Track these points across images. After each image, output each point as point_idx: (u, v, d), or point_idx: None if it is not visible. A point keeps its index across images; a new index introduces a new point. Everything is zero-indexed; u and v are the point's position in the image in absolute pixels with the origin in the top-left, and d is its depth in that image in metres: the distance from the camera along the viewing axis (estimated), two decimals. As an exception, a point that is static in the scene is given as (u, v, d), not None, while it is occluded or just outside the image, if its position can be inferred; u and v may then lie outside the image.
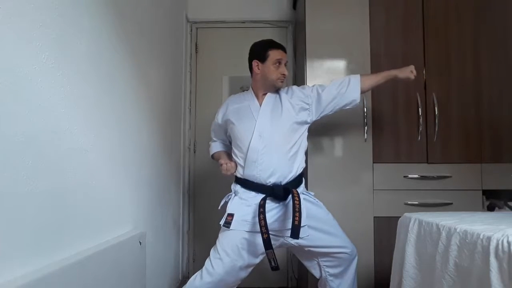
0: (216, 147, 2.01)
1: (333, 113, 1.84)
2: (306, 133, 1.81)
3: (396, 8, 2.31)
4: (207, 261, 1.68)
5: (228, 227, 1.66)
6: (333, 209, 1.94)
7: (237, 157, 1.80)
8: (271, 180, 1.70)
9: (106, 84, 1.42)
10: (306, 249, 1.73)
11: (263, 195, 1.68)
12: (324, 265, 1.75)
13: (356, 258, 1.77)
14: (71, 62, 1.14)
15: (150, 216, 1.96)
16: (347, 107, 1.83)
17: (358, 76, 1.83)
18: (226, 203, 1.79)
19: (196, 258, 2.91)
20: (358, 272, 2.14)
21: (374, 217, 2.21)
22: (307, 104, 1.79)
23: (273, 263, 1.54)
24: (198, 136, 2.99)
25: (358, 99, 1.81)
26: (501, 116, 2.27)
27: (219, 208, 1.82)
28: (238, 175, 1.80)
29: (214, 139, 2.03)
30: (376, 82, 1.86)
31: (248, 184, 1.74)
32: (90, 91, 1.28)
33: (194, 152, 2.98)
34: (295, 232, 1.52)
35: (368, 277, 2.18)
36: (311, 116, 1.80)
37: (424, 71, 2.28)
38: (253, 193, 1.72)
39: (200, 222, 2.93)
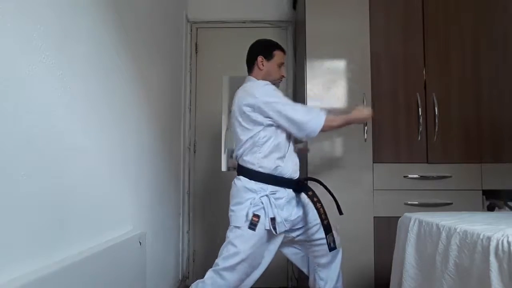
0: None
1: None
2: None
3: (396, 8, 2.31)
4: (222, 266, 1.61)
5: (276, 232, 1.63)
6: (333, 209, 1.94)
7: (273, 157, 1.69)
8: (296, 175, 1.75)
9: (106, 84, 1.42)
10: (301, 237, 1.77)
11: (289, 189, 1.71)
12: (313, 256, 1.81)
13: (341, 250, 1.82)
14: (71, 62, 1.14)
15: (150, 216, 1.96)
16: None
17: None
18: (247, 209, 1.65)
19: (196, 258, 2.91)
20: (358, 272, 2.16)
21: (374, 217, 2.21)
22: None
23: (332, 244, 1.68)
24: (198, 136, 2.99)
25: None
26: (501, 116, 2.27)
27: (246, 222, 1.62)
28: (270, 172, 1.68)
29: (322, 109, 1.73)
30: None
31: (279, 181, 1.69)
32: (90, 91, 1.28)
33: (194, 152, 2.98)
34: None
35: (368, 277, 2.18)
36: None
37: (424, 71, 2.28)
38: (282, 189, 1.69)
39: (200, 222, 2.93)
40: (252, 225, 1.60)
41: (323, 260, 1.79)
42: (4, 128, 0.85)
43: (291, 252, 1.84)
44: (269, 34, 2.93)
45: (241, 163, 1.74)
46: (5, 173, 0.85)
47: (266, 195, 1.64)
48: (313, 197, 1.71)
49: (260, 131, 1.67)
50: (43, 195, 0.99)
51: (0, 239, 0.84)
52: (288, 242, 1.80)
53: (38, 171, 0.97)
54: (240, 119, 1.69)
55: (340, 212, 1.75)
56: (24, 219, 0.92)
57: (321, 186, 1.82)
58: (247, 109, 1.66)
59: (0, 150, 0.84)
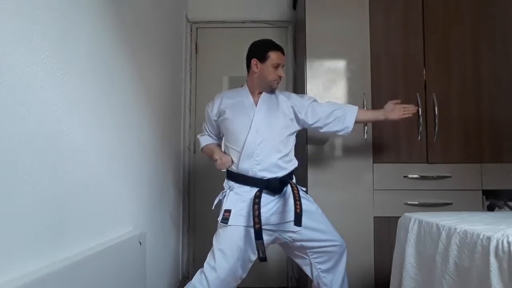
0: (206, 140, 1.99)
1: (322, 132, 1.89)
2: (295, 133, 1.90)
3: (396, 8, 2.31)
4: (205, 266, 1.68)
5: (226, 223, 1.68)
6: (333, 209, 1.94)
7: (231, 152, 1.82)
8: (266, 175, 1.74)
9: (106, 84, 1.42)
10: (298, 243, 1.74)
11: (258, 189, 1.70)
12: (316, 262, 1.77)
13: (346, 252, 1.80)
14: (71, 62, 1.14)
15: (150, 216, 1.96)
16: (339, 133, 1.87)
17: (356, 107, 1.87)
18: (220, 201, 1.80)
19: (196, 258, 2.91)
20: (358, 272, 2.15)
21: (374, 217, 2.21)
22: (299, 113, 1.83)
23: (261, 254, 1.58)
24: (198, 136, 2.99)
25: (350, 128, 1.84)
26: (501, 116, 2.27)
27: (213, 207, 1.80)
28: (232, 170, 1.80)
29: (204, 132, 2.01)
30: (372, 118, 1.94)
31: (243, 179, 1.76)
32: (90, 91, 1.28)
33: (194, 152, 2.98)
34: (298, 220, 1.58)
35: (368, 277, 2.18)
36: (299, 126, 1.87)
37: (424, 71, 2.28)
38: (247, 188, 1.74)
39: (200, 222, 2.93)
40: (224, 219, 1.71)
41: (326, 266, 1.77)
42: (4, 128, 0.85)
43: (299, 260, 1.84)
44: (269, 34, 2.93)
45: None
46: (6, 173, 0.85)
47: (226, 191, 1.77)
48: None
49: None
50: (43, 195, 0.99)
51: (0, 239, 0.84)
52: (292, 249, 1.80)
53: (38, 171, 0.97)
54: None
55: (297, 223, 1.61)
56: (24, 219, 0.92)
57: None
58: None
59: (0, 150, 0.84)
